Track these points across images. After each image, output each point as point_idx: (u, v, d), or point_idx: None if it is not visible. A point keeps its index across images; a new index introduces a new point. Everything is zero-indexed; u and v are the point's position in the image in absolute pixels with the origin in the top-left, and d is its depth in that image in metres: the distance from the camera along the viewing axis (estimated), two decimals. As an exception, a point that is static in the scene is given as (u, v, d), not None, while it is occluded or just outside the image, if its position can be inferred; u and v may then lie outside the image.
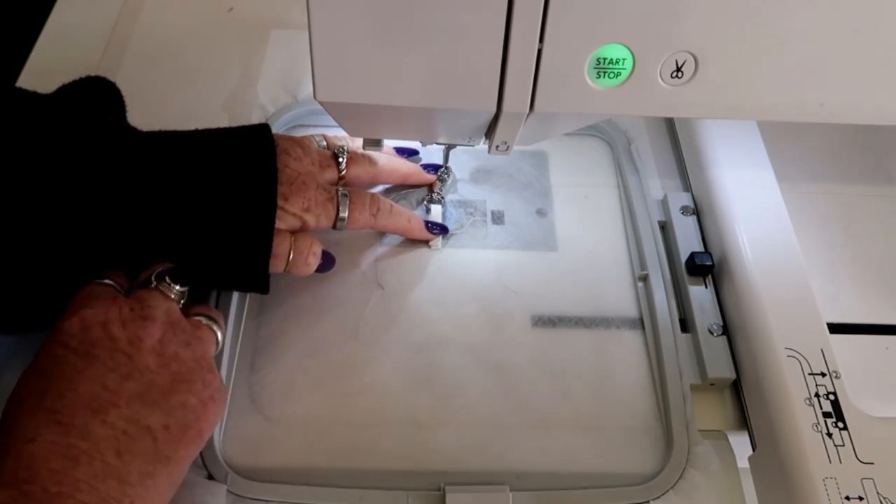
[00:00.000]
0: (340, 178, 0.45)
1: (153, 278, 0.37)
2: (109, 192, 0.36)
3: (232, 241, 0.38)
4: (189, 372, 0.34)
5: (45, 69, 0.54)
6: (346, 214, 0.42)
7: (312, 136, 0.46)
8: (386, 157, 0.48)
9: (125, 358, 0.33)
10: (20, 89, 0.38)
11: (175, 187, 0.37)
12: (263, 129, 0.41)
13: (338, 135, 0.47)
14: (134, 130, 0.39)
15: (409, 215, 0.46)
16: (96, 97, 0.40)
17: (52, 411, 0.30)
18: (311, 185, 0.41)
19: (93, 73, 0.39)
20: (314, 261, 0.42)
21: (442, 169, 0.48)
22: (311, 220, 0.41)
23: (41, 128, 0.36)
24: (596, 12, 0.28)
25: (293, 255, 0.41)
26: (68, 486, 0.28)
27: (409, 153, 0.50)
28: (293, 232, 0.42)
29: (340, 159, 0.45)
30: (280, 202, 0.39)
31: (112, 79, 0.41)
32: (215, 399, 0.35)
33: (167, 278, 0.37)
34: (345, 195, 0.43)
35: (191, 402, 0.33)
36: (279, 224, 0.40)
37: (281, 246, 0.40)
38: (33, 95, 0.38)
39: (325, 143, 0.46)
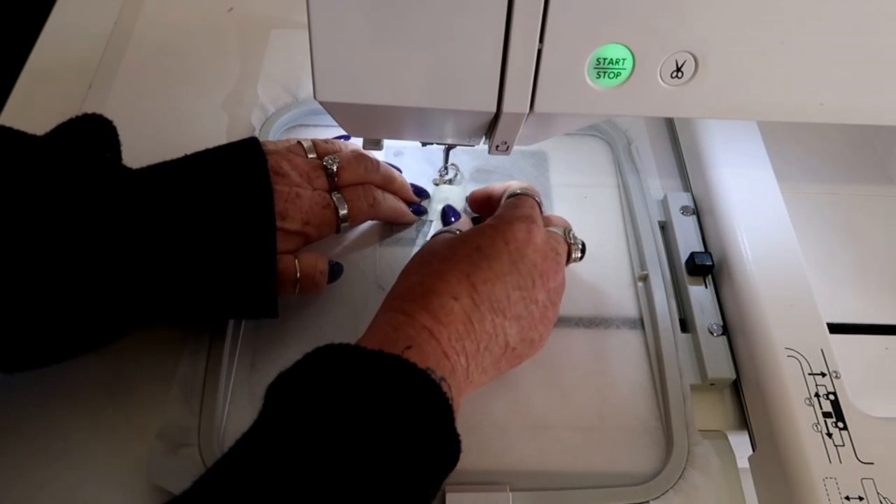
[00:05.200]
0: (333, 186, 0.44)
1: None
2: (110, 236, 0.35)
3: (236, 273, 0.37)
4: (548, 320, 0.39)
5: (45, 69, 0.54)
6: (346, 213, 0.42)
7: (300, 141, 0.44)
8: (384, 167, 0.46)
9: (534, 284, 0.38)
10: (13, 130, 0.36)
11: (173, 227, 0.36)
12: (253, 150, 0.39)
13: (328, 138, 0.46)
14: (129, 171, 0.38)
15: (399, 202, 0.46)
16: (91, 136, 0.39)
17: (472, 288, 0.36)
18: (305, 197, 0.40)
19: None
20: (322, 278, 0.42)
21: (444, 171, 0.49)
22: (312, 231, 0.41)
23: (38, 171, 0.35)
24: (596, 12, 0.28)
25: (300, 278, 0.40)
26: (456, 346, 0.34)
27: (420, 192, 0.49)
28: (297, 251, 0.41)
29: (331, 167, 0.43)
30: (279, 222, 0.38)
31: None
32: (543, 340, 0.40)
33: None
34: (339, 196, 0.42)
35: (537, 338, 0.39)
36: (282, 245, 0.39)
37: (287, 271, 0.40)
38: (29, 138, 0.37)
39: (314, 151, 0.44)
